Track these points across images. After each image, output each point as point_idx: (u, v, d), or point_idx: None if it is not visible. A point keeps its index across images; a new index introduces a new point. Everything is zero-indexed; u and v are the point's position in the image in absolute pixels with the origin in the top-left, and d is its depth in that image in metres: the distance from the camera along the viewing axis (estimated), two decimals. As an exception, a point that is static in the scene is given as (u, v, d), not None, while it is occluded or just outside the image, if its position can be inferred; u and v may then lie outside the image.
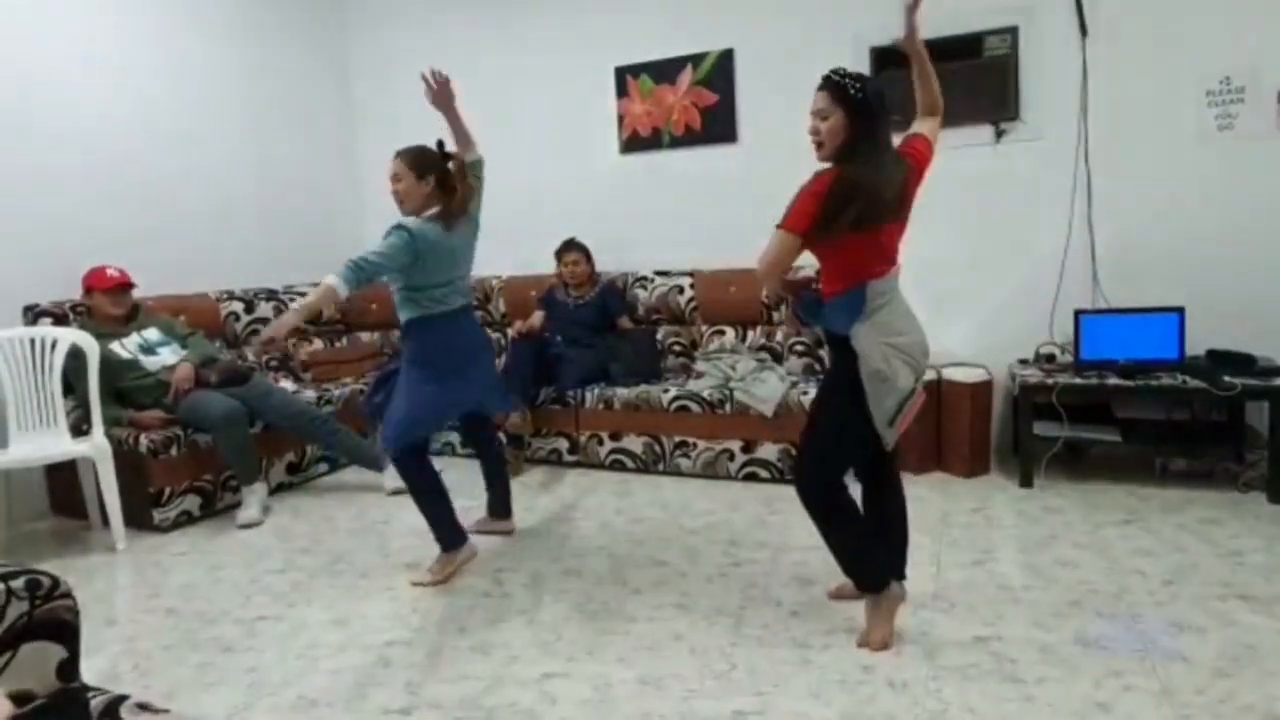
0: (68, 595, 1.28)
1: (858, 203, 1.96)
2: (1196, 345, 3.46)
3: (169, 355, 3.61)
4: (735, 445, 3.74)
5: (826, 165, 2.06)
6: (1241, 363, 3.30)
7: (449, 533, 2.82)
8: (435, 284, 2.69)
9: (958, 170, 3.67)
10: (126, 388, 3.48)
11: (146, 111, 4.08)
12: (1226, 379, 3.19)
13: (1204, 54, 3.50)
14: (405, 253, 2.57)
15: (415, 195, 2.68)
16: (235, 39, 4.56)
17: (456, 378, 2.77)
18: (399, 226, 2.60)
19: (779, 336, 4.19)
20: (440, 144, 2.76)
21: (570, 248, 4.38)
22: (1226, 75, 3.47)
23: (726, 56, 4.33)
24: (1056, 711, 1.88)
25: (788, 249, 2.01)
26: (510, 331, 4.36)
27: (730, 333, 4.29)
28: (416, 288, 2.68)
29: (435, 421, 2.92)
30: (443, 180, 2.72)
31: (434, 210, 2.71)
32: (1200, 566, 2.62)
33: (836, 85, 2.02)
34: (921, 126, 2.22)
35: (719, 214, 4.39)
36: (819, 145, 2.06)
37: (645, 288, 4.47)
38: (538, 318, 4.31)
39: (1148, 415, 3.68)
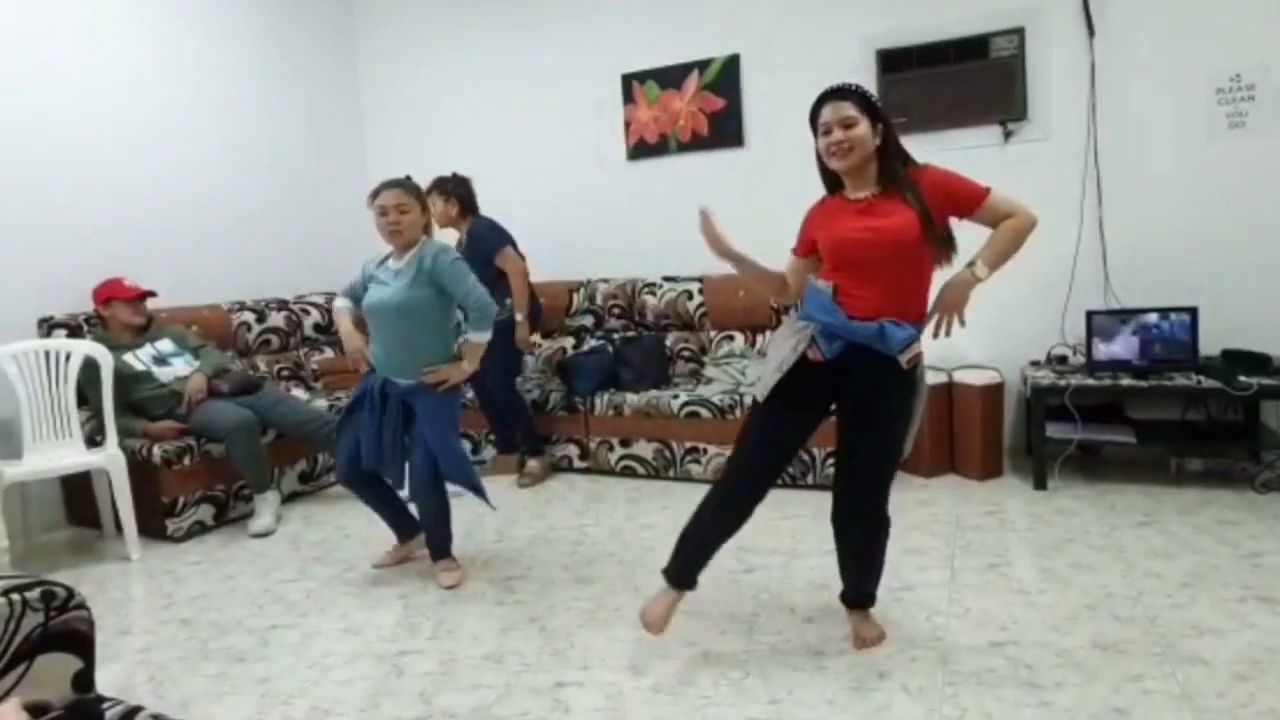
0: (83, 606, 1.28)
1: None
2: (1211, 345, 3.44)
3: (182, 366, 3.63)
4: (746, 450, 3.73)
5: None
6: (1257, 362, 3.27)
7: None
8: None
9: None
10: (140, 399, 3.51)
11: (159, 125, 4.12)
12: (1242, 379, 3.16)
13: (1213, 52, 3.48)
14: None
15: (416, 227, 2.74)
16: (246, 51, 4.60)
17: None
18: (459, 259, 2.72)
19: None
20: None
21: None
22: (1237, 73, 3.45)
23: (733, 61, 4.33)
24: (1074, 716, 1.86)
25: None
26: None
27: (739, 338, 4.28)
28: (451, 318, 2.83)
29: None
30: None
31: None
32: (1218, 568, 2.60)
33: (862, 95, 2.05)
34: None
35: (727, 219, 4.33)
36: (846, 151, 2.02)
37: (654, 293, 4.46)
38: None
39: (1162, 416, 3.65)
